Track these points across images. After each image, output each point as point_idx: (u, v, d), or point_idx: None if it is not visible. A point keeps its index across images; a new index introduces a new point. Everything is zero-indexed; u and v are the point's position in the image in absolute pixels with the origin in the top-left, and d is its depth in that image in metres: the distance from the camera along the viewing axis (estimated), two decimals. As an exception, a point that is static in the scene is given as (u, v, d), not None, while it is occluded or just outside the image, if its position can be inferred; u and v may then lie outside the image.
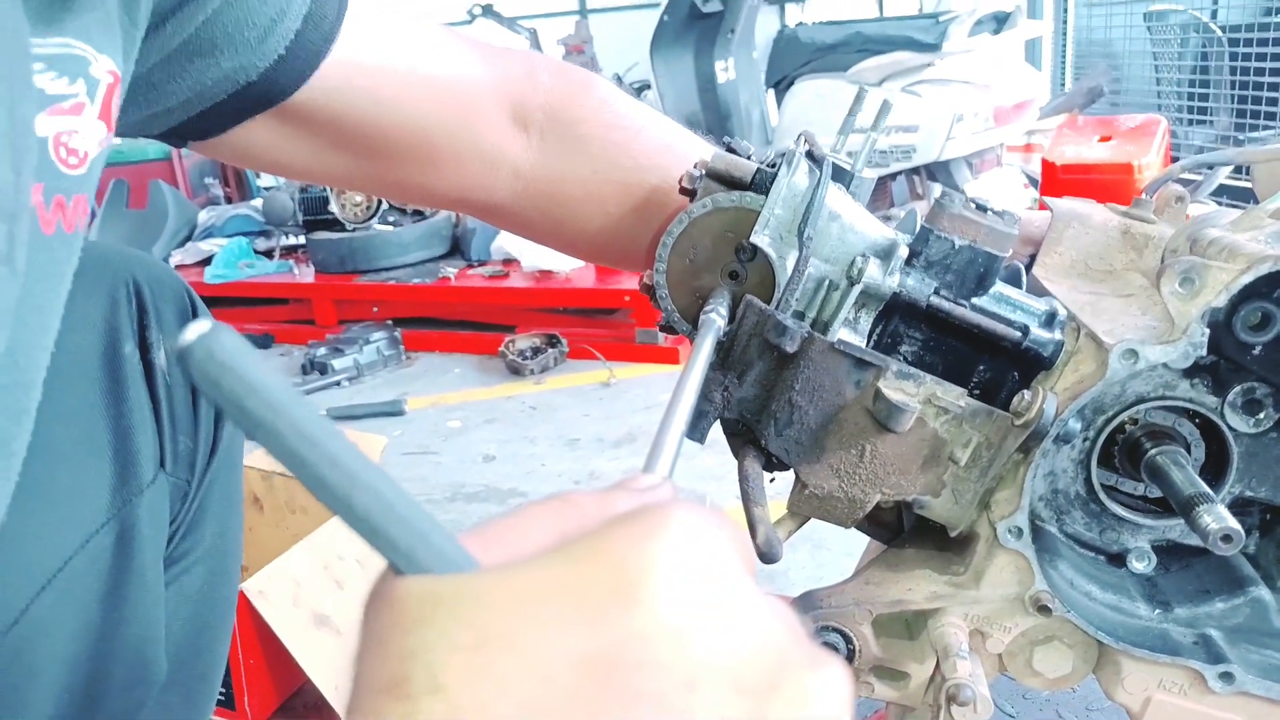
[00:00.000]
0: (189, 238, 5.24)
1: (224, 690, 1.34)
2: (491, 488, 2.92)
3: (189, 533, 0.89)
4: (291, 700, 1.42)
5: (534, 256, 4.21)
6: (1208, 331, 0.70)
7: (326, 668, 1.31)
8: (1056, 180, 4.42)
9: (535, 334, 4.03)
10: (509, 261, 4.38)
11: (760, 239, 0.81)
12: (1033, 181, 4.97)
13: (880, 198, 4.86)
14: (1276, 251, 0.69)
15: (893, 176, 4.75)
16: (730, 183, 0.85)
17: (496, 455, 3.16)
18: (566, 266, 4.18)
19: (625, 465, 2.99)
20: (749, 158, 0.88)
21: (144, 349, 0.84)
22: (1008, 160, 5.00)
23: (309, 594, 1.36)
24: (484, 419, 3.48)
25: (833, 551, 2.42)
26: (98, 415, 0.79)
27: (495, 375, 3.92)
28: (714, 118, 5.64)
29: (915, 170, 4.67)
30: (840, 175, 0.86)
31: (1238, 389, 0.79)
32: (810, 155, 0.85)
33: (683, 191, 0.87)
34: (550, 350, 3.90)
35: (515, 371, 3.85)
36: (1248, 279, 0.68)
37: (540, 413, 3.50)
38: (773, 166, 0.85)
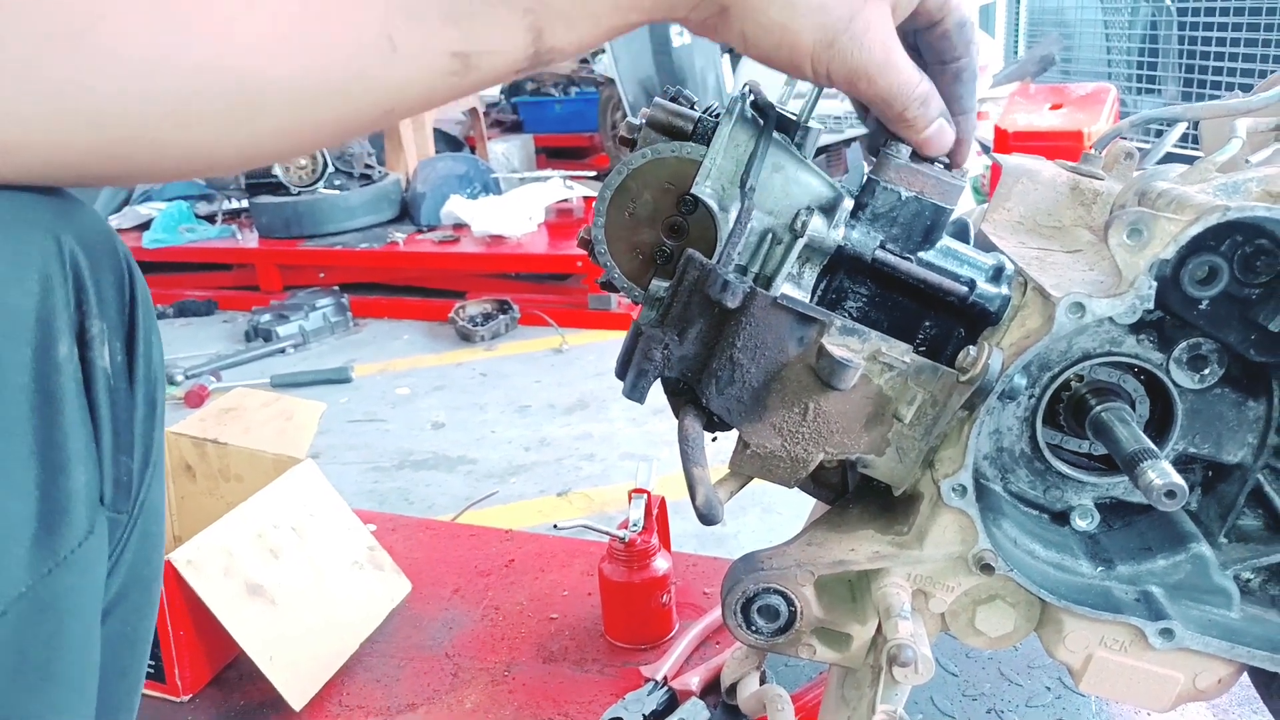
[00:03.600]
0: (126, 201, 5.07)
1: (153, 663, 1.30)
2: (440, 455, 2.88)
3: (114, 566, 0.67)
4: (225, 672, 1.38)
5: (485, 222, 4.14)
6: (1155, 284, 0.69)
7: (260, 638, 1.27)
8: (1008, 147, 4.45)
9: (486, 300, 3.97)
10: (459, 226, 4.30)
11: (701, 190, 0.77)
12: (985, 149, 5.00)
13: (836, 164, 4.84)
14: (1225, 202, 0.67)
15: (847, 143, 4.74)
16: (671, 132, 0.81)
17: (446, 422, 3.11)
18: (518, 232, 4.12)
19: (577, 431, 2.97)
20: (693, 109, 0.85)
21: (83, 346, 0.61)
22: (960, 127, 5.01)
23: (242, 564, 1.31)
24: (433, 386, 3.42)
25: (782, 515, 2.42)
26: (19, 445, 0.56)
27: (445, 342, 3.85)
28: (669, 81, 5.56)
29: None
30: (785, 126, 0.83)
31: (1183, 344, 0.78)
32: (756, 105, 0.81)
33: (623, 142, 0.83)
34: (501, 316, 3.84)
35: (466, 338, 3.80)
36: (1196, 229, 0.67)
37: (491, 379, 3.45)
38: (716, 116, 0.81)
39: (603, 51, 5.67)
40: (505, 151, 5.98)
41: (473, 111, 5.66)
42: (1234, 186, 0.71)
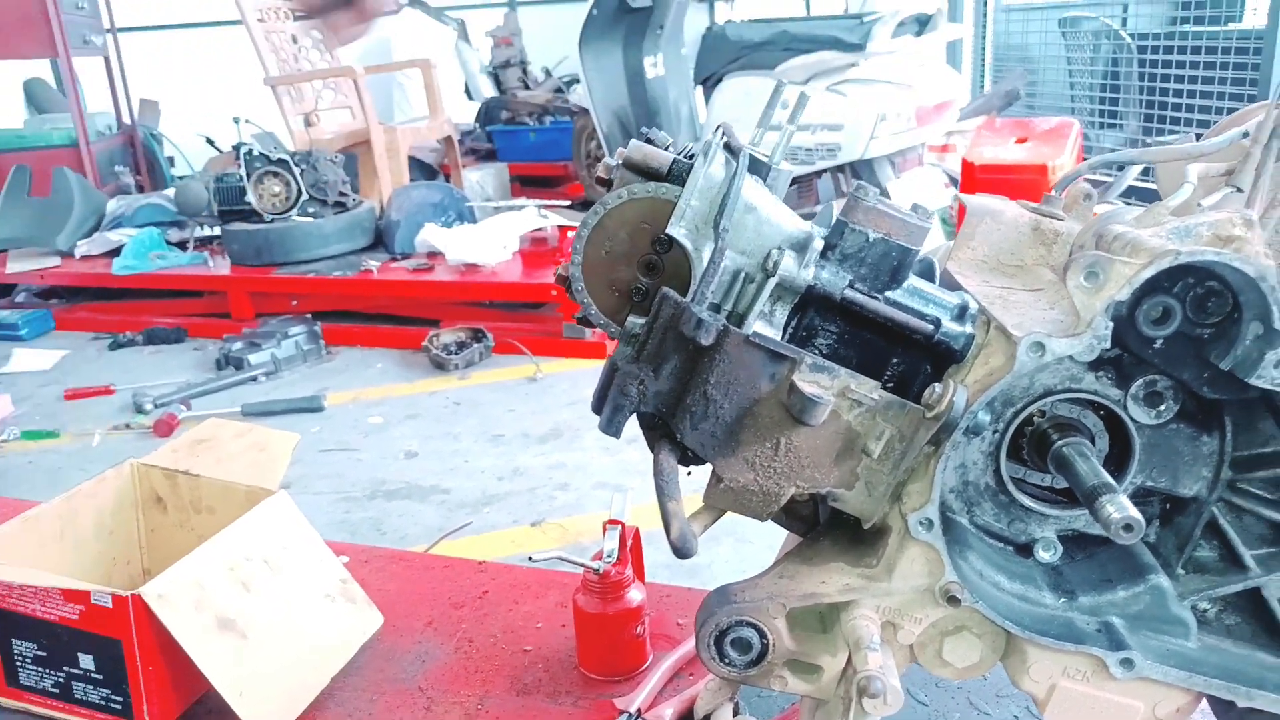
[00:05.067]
0: (96, 227, 5.03)
1: (120, 699, 1.28)
2: (413, 484, 2.86)
3: None
4: (194, 708, 1.37)
5: (459, 250, 4.15)
6: (1111, 324, 0.71)
7: (230, 673, 1.26)
8: (975, 180, 4.54)
9: (460, 328, 3.98)
10: (433, 255, 4.30)
11: (676, 230, 0.80)
12: (953, 181, 5.09)
13: (807, 195, 4.92)
14: (1177, 246, 0.70)
15: (819, 174, 4.81)
16: (647, 173, 0.84)
17: (419, 451, 3.10)
18: (493, 260, 4.13)
19: (551, 461, 2.97)
20: (668, 149, 0.87)
21: None
22: (929, 160, 5.11)
23: (213, 597, 1.30)
24: (406, 415, 3.41)
25: (755, 545, 2.43)
26: None
27: (419, 370, 3.85)
28: (642, 113, 5.63)
29: (840, 168, 4.73)
30: (757, 168, 0.86)
31: (1140, 382, 0.81)
32: (728, 147, 0.84)
33: (599, 182, 0.86)
34: (475, 345, 3.84)
35: (439, 366, 3.79)
36: (1149, 273, 0.69)
37: (464, 408, 3.45)
38: (690, 158, 0.84)
39: (578, 81, 5.72)
40: (480, 180, 6.01)
41: (447, 140, 5.68)
42: (1186, 230, 0.74)
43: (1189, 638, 0.82)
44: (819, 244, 0.79)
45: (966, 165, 4.61)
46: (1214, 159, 0.94)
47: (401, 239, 4.44)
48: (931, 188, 4.90)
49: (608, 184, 0.84)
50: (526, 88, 7.44)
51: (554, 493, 2.78)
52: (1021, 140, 4.78)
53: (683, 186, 0.80)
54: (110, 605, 1.25)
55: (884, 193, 4.64)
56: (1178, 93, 4.79)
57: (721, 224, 0.77)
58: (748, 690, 1.33)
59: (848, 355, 0.83)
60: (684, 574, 2.33)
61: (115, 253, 4.69)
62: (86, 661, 1.30)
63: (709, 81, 5.29)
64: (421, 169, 5.92)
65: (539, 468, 2.94)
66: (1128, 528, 0.69)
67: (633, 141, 0.84)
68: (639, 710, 1.32)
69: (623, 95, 5.61)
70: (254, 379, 3.76)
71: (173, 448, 1.63)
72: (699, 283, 0.78)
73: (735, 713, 1.26)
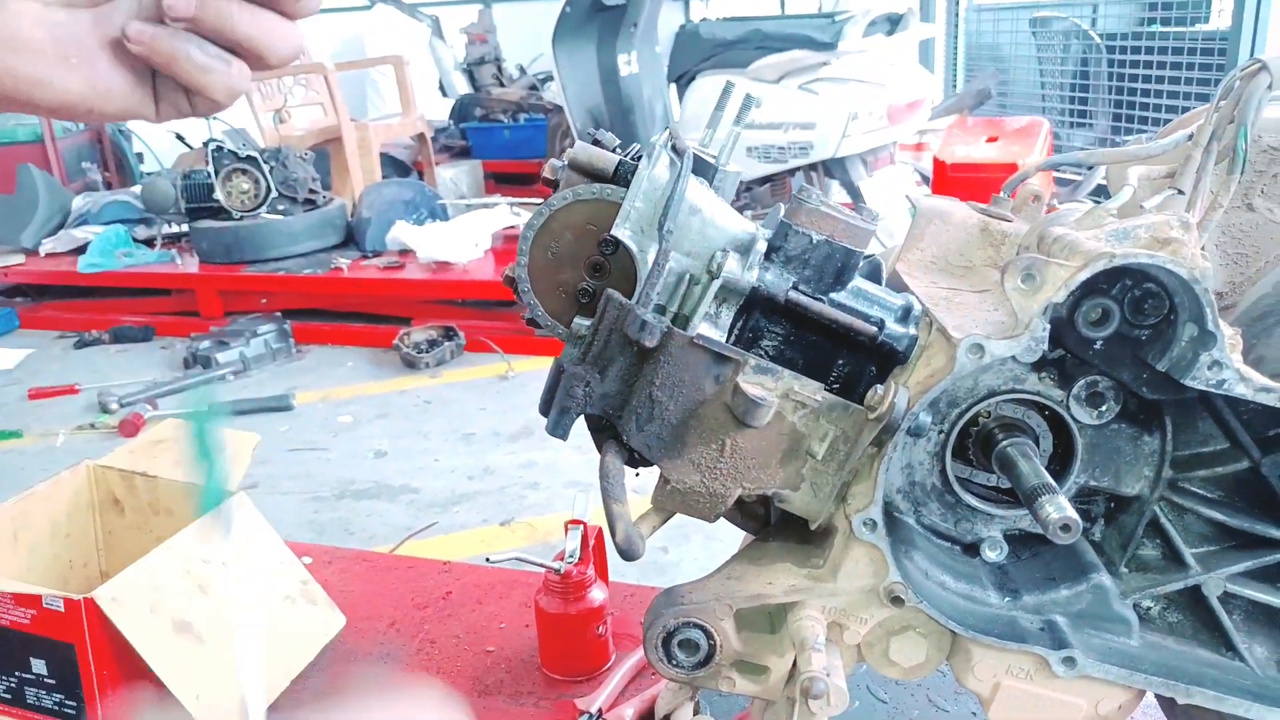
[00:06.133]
0: (62, 225, 4.96)
1: (74, 704, 1.27)
2: (382, 484, 2.85)
3: None
4: (151, 712, 1.35)
5: (431, 248, 4.13)
6: (1049, 326, 0.72)
7: (186, 677, 1.25)
8: (946, 178, 4.57)
9: (431, 326, 3.96)
10: (405, 252, 4.28)
11: (621, 232, 0.79)
12: (925, 179, 5.13)
13: (780, 194, 4.93)
14: (1113, 249, 0.71)
15: (791, 172, 4.82)
16: (593, 175, 0.83)
17: (388, 451, 3.08)
18: (464, 258, 4.11)
19: (521, 459, 2.96)
20: (615, 151, 0.87)
21: None
22: (901, 159, 5.14)
23: (169, 600, 1.29)
24: (377, 413, 3.39)
25: (724, 542, 2.43)
26: None
27: (390, 369, 3.83)
28: (616, 111, 5.63)
29: (813, 166, 4.75)
30: (703, 169, 0.86)
31: (1082, 382, 0.82)
32: (674, 149, 0.84)
33: (545, 183, 0.85)
34: (447, 343, 3.83)
35: (410, 365, 3.77)
36: (1085, 275, 0.70)
37: (435, 407, 3.44)
38: (637, 159, 0.84)
39: (552, 79, 5.71)
40: (454, 177, 5.99)
41: (420, 137, 5.65)
42: (1124, 233, 0.75)
43: (1131, 635, 0.82)
44: (762, 246, 0.79)
45: (938, 164, 4.64)
46: (1162, 160, 0.95)
47: (373, 236, 4.41)
48: (903, 186, 4.93)
49: (554, 185, 0.84)
50: (501, 85, 7.41)
51: (524, 491, 2.77)
52: (992, 139, 4.82)
53: (628, 188, 0.80)
54: (62, 609, 1.24)
55: (856, 192, 4.67)
56: (1146, 92, 4.84)
57: (665, 226, 0.77)
58: (708, 689, 1.34)
59: (793, 357, 0.83)
60: (652, 572, 2.33)
61: (81, 250, 4.63)
62: (39, 666, 1.28)
63: (683, 79, 5.29)
64: (395, 166, 5.88)
65: (509, 466, 2.93)
66: (1065, 528, 0.70)
67: (578, 142, 0.84)
68: (600, 710, 1.32)
69: (597, 93, 5.60)
70: (222, 378, 3.72)
71: (130, 449, 1.61)
72: (644, 285, 0.78)
73: (696, 711, 1.27)
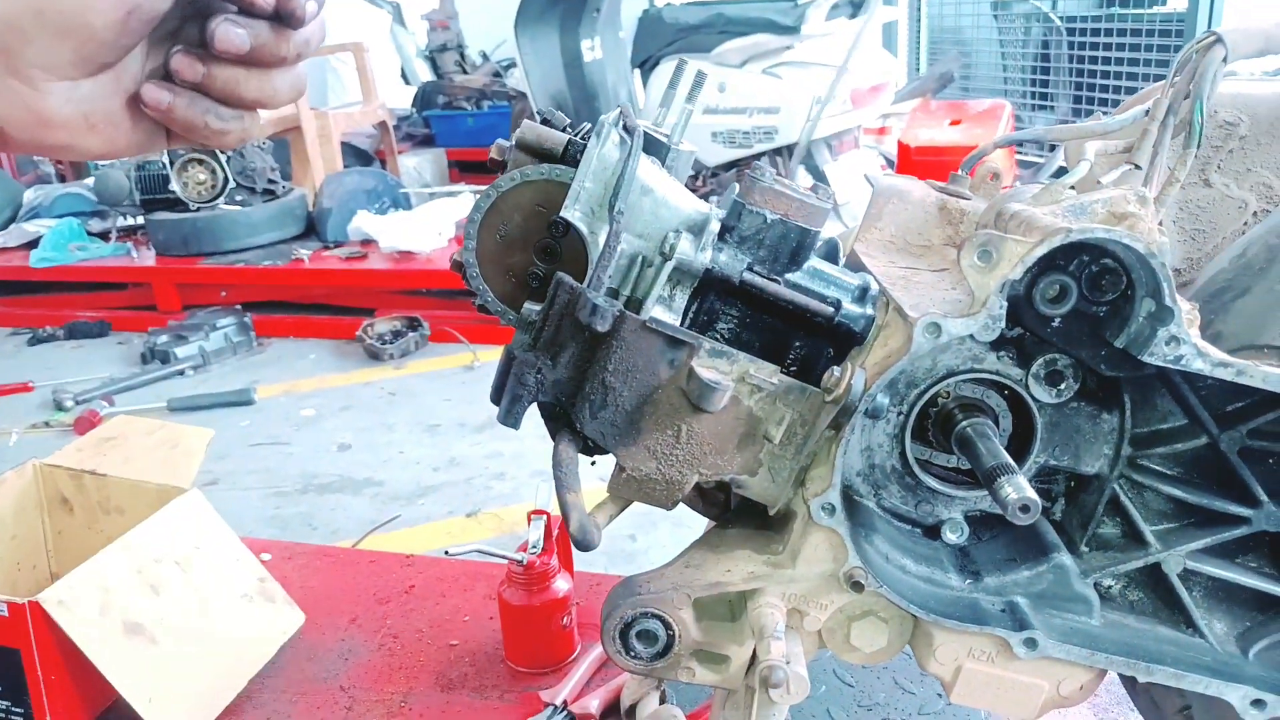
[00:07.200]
0: (13, 219, 4.84)
1: (21, 710, 1.23)
2: (346, 477, 2.81)
3: None
4: (104, 716, 1.32)
5: (393, 237, 4.07)
6: (1006, 304, 0.71)
7: (138, 679, 1.22)
8: (911, 161, 4.58)
9: (395, 317, 3.90)
10: (367, 242, 4.22)
11: (571, 214, 0.77)
12: (889, 162, 5.13)
13: (745, 178, 4.91)
14: (1069, 225, 0.70)
15: (756, 157, 4.81)
16: (541, 155, 0.81)
17: (352, 444, 3.04)
18: (428, 247, 4.06)
19: (487, 450, 2.93)
20: (566, 130, 0.84)
21: None
22: (865, 142, 5.14)
23: (119, 601, 1.25)
24: (340, 406, 3.34)
25: (692, 529, 2.42)
26: None
27: (353, 360, 3.77)
28: (581, 96, 5.58)
29: (778, 151, 4.73)
30: (656, 148, 0.84)
31: (1040, 361, 0.81)
32: (625, 127, 0.82)
33: (492, 164, 0.83)
34: (411, 334, 3.78)
35: (374, 356, 3.72)
36: (1042, 251, 0.69)
37: (400, 398, 3.39)
38: (586, 138, 0.81)
39: (515, 65, 5.65)
40: (417, 165, 5.91)
41: (382, 125, 5.57)
42: (1081, 208, 0.74)
43: (1092, 615, 0.82)
44: (716, 226, 0.77)
45: (902, 147, 4.65)
46: (1119, 136, 0.94)
47: (334, 227, 4.34)
48: (868, 169, 4.93)
49: (502, 166, 0.81)
50: (464, 72, 7.33)
51: (490, 482, 2.74)
52: (956, 122, 4.83)
53: (577, 168, 0.77)
54: (6, 614, 1.20)
55: (821, 176, 4.66)
56: (1105, 74, 4.87)
57: (616, 206, 0.75)
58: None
59: (750, 339, 0.81)
60: (621, 560, 2.32)
61: (33, 244, 4.51)
62: (-17, 673, 1.24)
63: (646, 65, 5.25)
64: (356, 155, 5.79)
65: (475, 457, 2.90)
66: (1024, 508, 0.69)
67: (525, 122, 0.81)
68: (565, 702, 1.30)
69: (560, 79, 5.54)
70: (181, 373, 3.65)
71: (78, 447, 1.57)
72: (594, 268, 0.76)
73: (662, 700, 1.25)
